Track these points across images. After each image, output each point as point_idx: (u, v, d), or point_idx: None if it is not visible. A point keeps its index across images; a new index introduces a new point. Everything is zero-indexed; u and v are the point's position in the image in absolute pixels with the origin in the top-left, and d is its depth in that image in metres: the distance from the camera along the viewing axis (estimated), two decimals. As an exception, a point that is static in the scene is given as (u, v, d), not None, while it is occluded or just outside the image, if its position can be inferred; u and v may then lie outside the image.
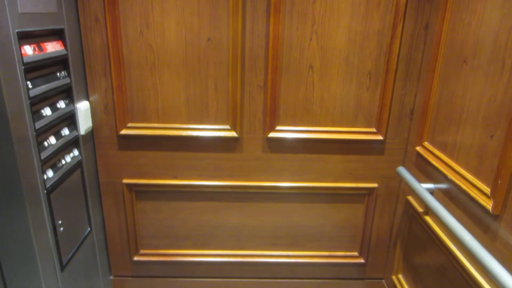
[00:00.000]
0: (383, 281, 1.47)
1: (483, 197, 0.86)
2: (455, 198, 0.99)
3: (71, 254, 1.10)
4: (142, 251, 1.39)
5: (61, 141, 1.05)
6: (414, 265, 1.22)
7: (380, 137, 1.25)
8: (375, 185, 1.32)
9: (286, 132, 1.24)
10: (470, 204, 0.92)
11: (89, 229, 1.23)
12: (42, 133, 0.96)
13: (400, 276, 1.33)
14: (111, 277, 1.43)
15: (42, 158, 0.94)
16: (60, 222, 1.03)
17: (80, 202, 1.17)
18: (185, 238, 1.37)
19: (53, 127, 1.02)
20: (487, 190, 0.85)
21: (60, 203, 1.03)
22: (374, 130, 1.25)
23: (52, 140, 1.01)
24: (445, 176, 1.02)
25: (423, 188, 1.07)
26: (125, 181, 1.28)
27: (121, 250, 1.38)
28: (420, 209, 1.17)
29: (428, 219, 1.12)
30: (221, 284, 1.44)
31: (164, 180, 1.29)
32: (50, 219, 0.98)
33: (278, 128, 1.24)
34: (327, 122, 1.24)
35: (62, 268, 1.05)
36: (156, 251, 1.39)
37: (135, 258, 1.39)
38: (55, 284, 1.02)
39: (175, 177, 1.29)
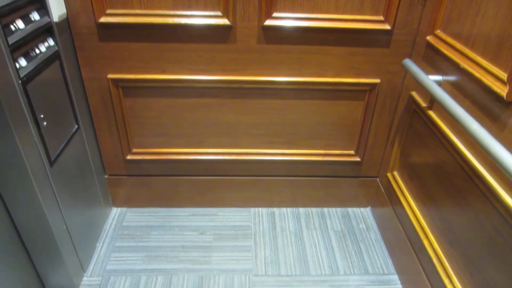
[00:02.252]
0: (377, 179, 1.48)
1: (498, 84, 0.79)
2: (464, 89, 0.93)
3: (59, 150, 1.06)
4: (134, 150, 1.36)
5: (31, 26, 0.93)
6: (411, 162, 1.20)
7: (387, 27, 1.14)
8: (377, 80, 1.24)
9: (284, 19, 1.12)
10: (481, 94, 0.86)
11: (76, 126, 1.17)
12: (6, 15, 0.85)
13: (395, 173, 1.33)
14: (106, 176, 1.43)
15: (10, 43, 0.84)
16: (42, 116, 0.97)
17: (63, 98, 1.09)
18: (178, 136, 1.33)
19: (19, 9, 0.89)
20: (504, 76, 0.78)
21: (40, 96, 0.96)
22: (381, 18, 1.13)
23: (20, 24, 0.89)
24: (456, 65, 0.94)
25: (431, 79, 0.99)
26: (110, 76, 1.19)
27: (113, 149, 1.35)
28: (423, 104, 1.11)
29: (431, 113, 1.07)
30: (216, 182, 1.45)
31: (152, 75, 1.20)
32: (30, 111, 0.92)
33: (275, 15, 1.11)
34: (330, 9, 1.11)
35: (51, 163, 1.01)
36: (149, 150, 1.36)
37: (128, 157, 1.37)
38: (46, 179, 0.99)
39: (163, 72, 1.20)
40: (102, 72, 1.19)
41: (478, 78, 0.85)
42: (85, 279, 1.21)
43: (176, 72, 1.20)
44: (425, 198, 1.12)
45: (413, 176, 1.19)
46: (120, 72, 1.19)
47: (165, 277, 1.22)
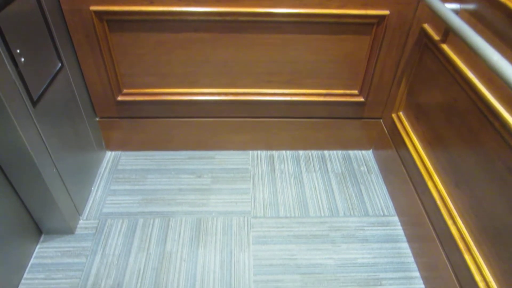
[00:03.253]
0: (381, 120, 1.42)
1: (527, 8, 0.70)
2: (485, 17, 0.83)
3: (42, 90, 0.98)
4: (125, 91, 1.28)
5: None
6: (419, 102, 1.14)
7: None
8: (386, 12, 1.13)
9: None
10: (504, 22, 0.77)
11: (60, 64, 1.08)
12: None
13: (400, 113, 1.26)
14: (97, 119, 1.36)
15: (-30, -37, 0.73)
16: (18, 51, 0.88)
17: (42, 33, 1.00)
18: (171, 75, 1.25)
19: None
20: (534, -2, 0.69)
21: (14, 29, 0.86)
22: None
23: None
24: (478, -11, 0.84)
25: (447, 7, 0.89)
26: (93, 8, 1.08)
27: (103, 89, 1.27)
28: (436, 37, 1.02)
29: (444, 47, 0.98)
30: (213, 124, 1.39)
31: (139, 6, 1.09)
32: (4, 46, 0.83)
33: None
34: None
35: (34, 103, 0.94)
36: (140, 91, 1.28)
37: (119, 98, 1.29)
38: (29, 120, 0.93)
39: (151, 3, 1.08)
40: (83, 3, 1.08)
41: (503, 4, 0.76)
42: (82, 222, 1.20)
43: (165, 3, 1.08)
44: (432, 139, 1.07)
45: (420, 117, 1.13)
46: (104, 3, 1.08)
47: (163, 219, 1.21)
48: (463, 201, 0.92)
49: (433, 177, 1.04)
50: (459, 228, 0.92)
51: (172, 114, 1.36)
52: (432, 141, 1.06)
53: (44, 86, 1.00)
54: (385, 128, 1.39)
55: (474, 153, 0.87)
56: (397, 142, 1.27)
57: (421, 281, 1.08)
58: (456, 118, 0.94)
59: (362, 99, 1.34)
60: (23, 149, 0.92)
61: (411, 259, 1.14)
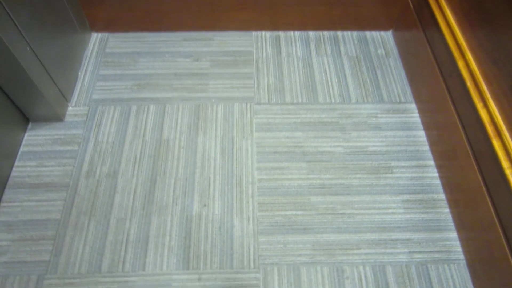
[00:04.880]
0: (406, -7, 1.21)
1: None
2: None
3: None
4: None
5: None
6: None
7: None
8: None
9: None
10: None
11: None
12: None
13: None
14: (75, -8, 1.17)
15: None
16: None
17: None
18: None
19: None
20: None
21: None
22: None
23: None
24: None
25: None
26: None
27: (75, -49, 1.06)
28: None
29: None
30: (211, 0, 1.19)
31: None
32: None
33: None
34: None
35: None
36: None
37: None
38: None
39: None
40: None
41: None
42: (71, 109, 1.10)
43: None
44: (470, 9, 0.89)
45: (458, -19, 0.94)
46: None
47: (158, 105, 1.11)
48: (499, 80, 0.79)
49: (466, 55, 0.90)
50: (490, 111, 0.81)
51: (161, -15, 1.15)
52: (470, 12, 0.89)
53: None
54: (410, 4, 1.18)
55: (526, 20, 0.71)
56: (425, 17, 1.09)
57: (435, 170, 1.02)
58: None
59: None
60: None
61: (426, 148, 1.06)
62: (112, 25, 1.28)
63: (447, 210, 0.96)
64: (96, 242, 0.89)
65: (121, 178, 0.98)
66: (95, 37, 1.28)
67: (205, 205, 0.94)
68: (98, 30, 1.30)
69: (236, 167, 1.00)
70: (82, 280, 0.84)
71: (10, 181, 0.97)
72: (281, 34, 1.30)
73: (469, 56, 0.89)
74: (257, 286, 0.84)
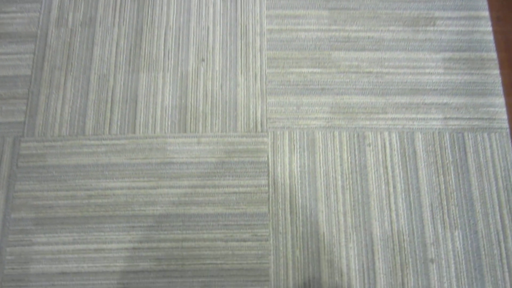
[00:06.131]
0: None
1: None
2: None
3: None
4: None
5: None
6: None
7: None
8: None
9: None
10: None
11: None
12: None
13: None
14: None
15: None
16: None
17: None
18: None
19: None
20: None
21: None
22: None
23: None
24: None
25: None
26: None
27: None
28: None
29: None
30: None
31: None
32: None
33: None
34: None
35: None
36: None
37: None
38: None
39: None
40: None
41: None
42: None
43: None
44: None
45: None
46: None
47: None
48: None
49: None
50: None
51: None
52: None
53: None
54: None
55: None
56: None
57: (489, 23, 0.82)
58: None
59: None
60: None
61: (481, -5, 0.84)
62: None
63: (497, 71, 0.79)
64: (76, 102, 0.76)
65: (100, 27, 0.80)
66: None
67: (203, 60, 0.78)
68: None
69: (241, 14, 0.80)
70: (64, 142, 0.73)
71: (-35, 30, 0.80)
72: None
73: None
74: (264, 151, 0.73)
